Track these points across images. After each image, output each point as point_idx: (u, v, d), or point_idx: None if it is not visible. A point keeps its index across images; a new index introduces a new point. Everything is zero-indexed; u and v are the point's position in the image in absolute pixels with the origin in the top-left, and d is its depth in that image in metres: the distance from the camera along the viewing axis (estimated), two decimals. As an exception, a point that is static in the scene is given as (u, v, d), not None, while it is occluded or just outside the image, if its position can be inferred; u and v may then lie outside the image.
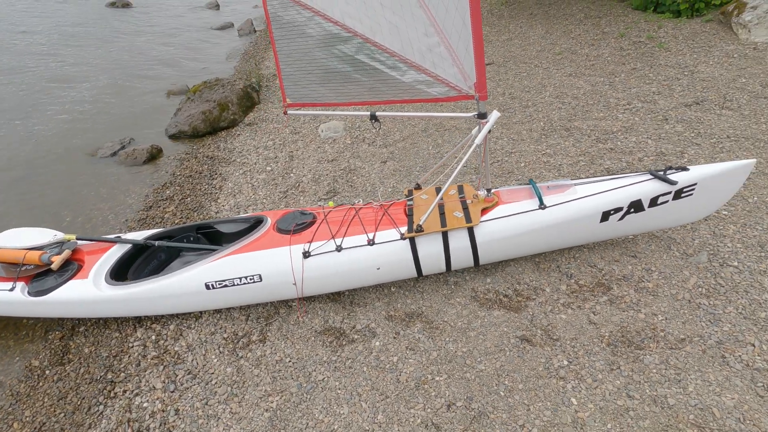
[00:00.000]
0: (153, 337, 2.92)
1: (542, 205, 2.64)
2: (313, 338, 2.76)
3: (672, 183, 2.53)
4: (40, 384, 2.75)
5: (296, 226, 2.88)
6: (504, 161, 4.17)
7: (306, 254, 2.72)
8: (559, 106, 4.96)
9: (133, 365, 2.75)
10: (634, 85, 5.09)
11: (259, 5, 14.33)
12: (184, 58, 9.90)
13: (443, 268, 2.79)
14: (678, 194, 2.59)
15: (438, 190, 3.05)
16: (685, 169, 2.58)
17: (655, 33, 6.23)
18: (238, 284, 2.76)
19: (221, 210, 4.30)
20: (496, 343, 2.50)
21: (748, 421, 1.94)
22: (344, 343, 2.68)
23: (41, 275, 3.00)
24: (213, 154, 5.56)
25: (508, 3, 9.26)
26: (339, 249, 2.71)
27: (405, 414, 2.22)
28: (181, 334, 2.91)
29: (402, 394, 2.32)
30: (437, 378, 2.37)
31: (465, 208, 2.76)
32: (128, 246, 3.22)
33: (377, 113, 2.63)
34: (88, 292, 2.85)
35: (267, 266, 2.74)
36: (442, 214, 2.76)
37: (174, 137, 6.27)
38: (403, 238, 2.68)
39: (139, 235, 3.40)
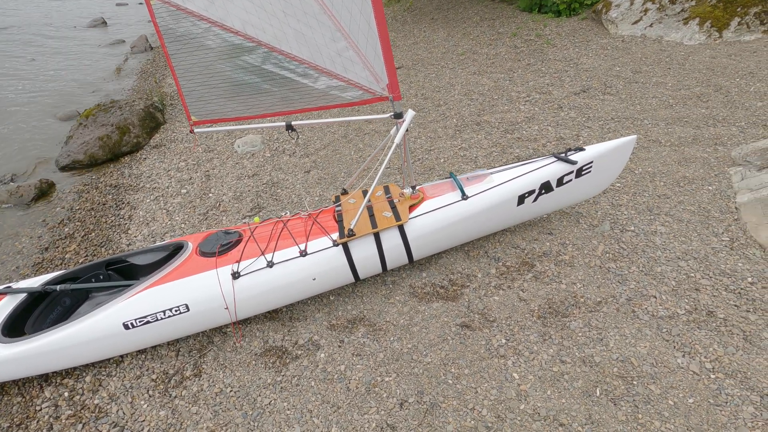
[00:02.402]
0: (66, 394, 2.57)
1: (464, 196, 2.77)
2: (254, 362, 2.61)
3: (573, 163, 2.79)
4: None
5: (221, 246, 2.72)
6: (424, 159, 4.32)
7: (235, 275, 2.57)
8: (468, 102, 5.25)
9: (44, 430, 2.40)
10: (531, 78, 5.56)
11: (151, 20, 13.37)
12: (70, 80, 8.93)
13: (379, 269, 2.81)
14: (579, 172, 2.86)
15: (365, 192, 3.07)
16: (582, 149, 2.86)
17: (542, 31, 6.87)
18: (162, 318, 2.53)
19: (133, 241, 3.93)
20: (438, 334, 2.56)
21: (659, 364, 2.20)
22: (288, 361, 2.58)
23: None
24: (117, 182, 5.07)
25: (410, 9, 9.64)
26: (270, 264, 2.61)
27: (359, 421, 2.19)
28: (100, 385, 2.60)
29: (354, 401, 2.29)
30: (387, 378, 2.37)
31: (393, 207, 2.80)
32: (23, 296, 2.81)
33: (293, 123, 2.58)
34: (-25, 355, 2.44)
35: (193, 294, 2.55)
36: (371, 215, 2.77)
37: (67, 168, 5.61)
38: (335, 244, 2.65)
39: (35, 282, 2.98)
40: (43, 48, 11.12)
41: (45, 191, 5.09)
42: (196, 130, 2.59)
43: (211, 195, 4.44)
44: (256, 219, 3.06)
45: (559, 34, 6.66)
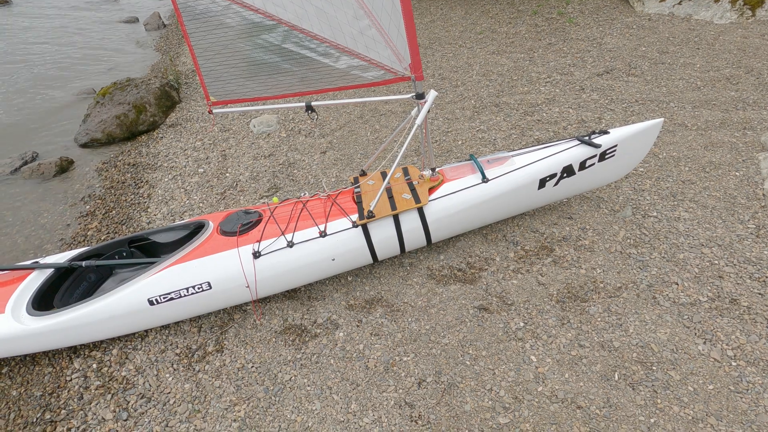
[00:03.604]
0: (94, 366, 2.67)
1: (485, 179, 2.74)
2: (274, 339, 2.67)
3: (596, 146, 2.73)
4: (-38, 439, 2.41)
5: (242, 226, 2.75)
6: (442, 141, 4.27)
7: (256, 254, 2.61)
8: (486, 83, 5.15)
9: (75, 399, 2.50)
10: (552, 59, 5.41)
11: (163, -4, 13.24)
12: (86, 58, 8.95)
13: (398, 250, 2.82)
14: (602, 156, 2.80)
15: (384, 174, 3.05)
16: (606, 132, 2.80)
17: (564, 9, 6.65)
18: (185, 295, 2.58)
19: (153, 220, 3.99)
20: (456, 316, 2.58)
21: (680, 351, 2.19)
22: (307, 339, 2.63)
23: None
24: (135, 161, 5.12)
25: (426, -15, 9.37)
26: (291, 245, 2.63)
27: (378, 398, 2.23)
28: (126, 358, 2.69)
29: (372, 379, 2.33)
30: (405, 358, 2.41)
31: (413, 190, 2.79)
32: (50, 271, 2.89)
33: (313, 103, 2.55)
34: (8, 327, 2.53)
35: (215, 272, 2.60)
36: (390, 197, 2.77)
37: (85, 146, 5.68)
38: (355, 225, 2.66)
39: (61, 257, 3.06)
40: (56, 25, 11.12)
41: (65, 168, 5.17)
42: (214, 111, 2.58)
43: (228, 175, 4.47)
44: (275, 199, 3.07)
45: (582, 13, 6.44)
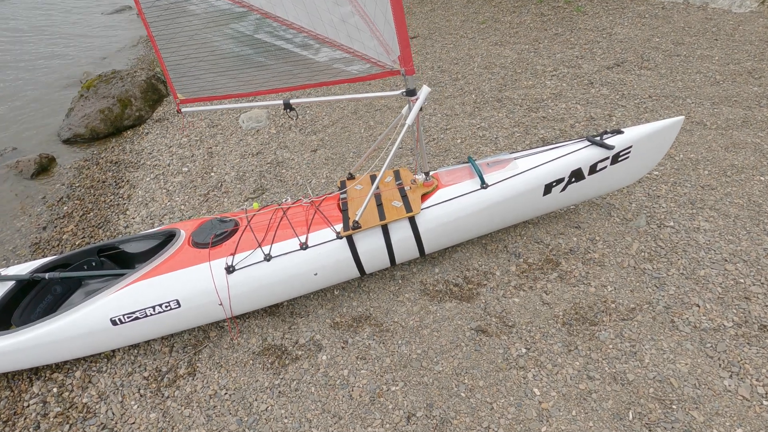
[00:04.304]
0: (54, 390, 2.44)
1: (484, 185, 2.47)
2: (251, 361, 2.43)
3: (609, 148, 2.46)
4: None
5: (215, 237, 2.49)
6: (440, 139, 3.99)
7: (230, 269, 2.36)
8: (488, 76, 4.84)
9: (31, 429, 2.27)
10: (558, 50, 5.09)
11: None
12: (74, 48, 8.65)
13: (387, 263, 2.56)
14: (615, 158, 2.53)
15: (373, 178, 2.79)
16: (619, 132, 2.52)
17: (572, -3, 6.30)
18: (151, 314, 2.34)
19: (131, 224, 3.74)
20: (451, 338, 2.33)
21: (703, 386, 1.93)
22: (287, 362, 2.39)
23: None
24: (118, 158, 4.87)
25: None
26: (268, 258, 2.38)
27: (361, 436, 1.99)
28: (90, 381, 2.45)
29: (357, 412, 2.09)
30: (393, 388, 2.16)
31: (404, 196, 2.52)
32: (10, 284, 2.65)
33: (292, 101, 2.28)
34: (-42, 349, 2.30)
35: (185, 289, 2.35)
36: (379, 204, 2.50)
37: (69, 142, 5.42)
38: (339, 237, 2.40)
39: (25, 268, 2.82)
40: (44, 14, 10.81)
41: (45, 166, 4.93)
42: (183, 110, 2.31)
43: (213, 174, 4.21)
44: (255, 205, 2.82)
45: (591, 1, 6.09)
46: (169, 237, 2.71)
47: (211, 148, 4.66)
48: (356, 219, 2.35)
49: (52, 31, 9.58)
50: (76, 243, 3.69)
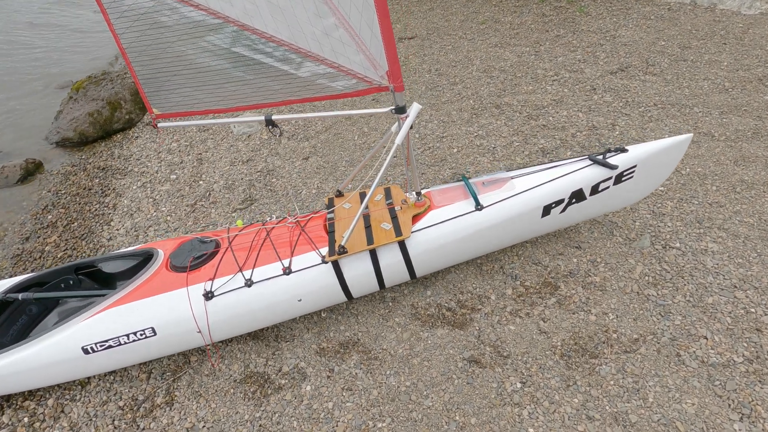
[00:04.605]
0: (26, 420, 2.32)
1: (479, 206, 2.33)
2: (232, 390, 2.30)
3: (612, 167, 2.31)
4: None
5: (194, 260, 2.36)
6: (435, 147, 3.84)
7: (208, 295, 2.22)
8: (487, 81, 4.68)
9: (-2, 463, 2.15)
10: (560, 53, 4.92)
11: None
12: (66, 46, 8.48)
13: (376, 287, 2.43)
14: (619, 178, 2.38)
15: (362, 195, 2.64)
16: (623, 150, 2.37)
17: (575, -3, 6.11)
18: (126, 342, 2.21)
19: (115, 235, 3.62)
20: (442, 370, 2.20)
21: (711, 430, 1.80)
22: (269, 392, 2.26)
23: None
24: (106, 164, 4.73)
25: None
26: (249, 284, 2.25)
27: (344, 479, 1.87)
28: (62, 411, 2.33)
29: (340, 451, 1.97)
30: (380, 424, 2.03)
31: (394, 217, 2.38)
32: (-19, 305, 2.53)
33: (274, 117, 2.14)
34: None
35: (161, 316, 2.22)
36: (367, 226, 2.36)
37: (57, 146, 5.29)
38: (324, 261, 2.26)
39: (0, 286, 2.70)
40: (38, 11, 10.63)
41: (32, 171, 4.80)
42: (160, 125, 2.17)
43: (201, 183, 4.07)
44: (239, 222, 2.68)
45: (594, 1, 5.90)
46: (147, 257, 2.58)
47: (201, 154, 4.52)
48: (342, 244, 2.21)
49: (46, 29, 9.41)
50: (58, 256, 3.57)
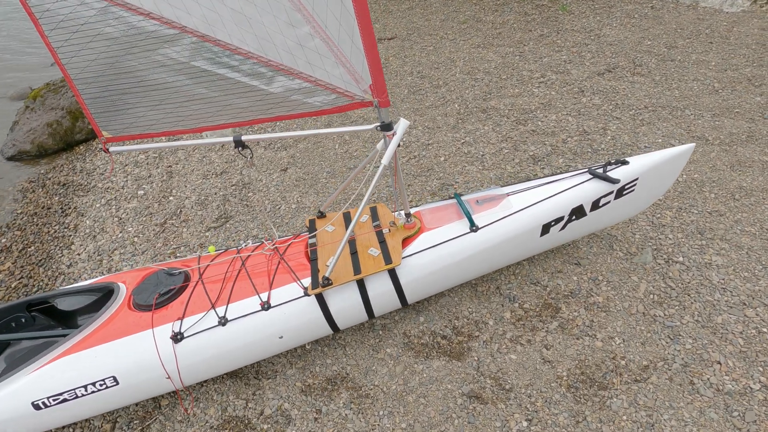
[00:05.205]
0: (-31, 486, 2.03)
1: (473, 227, 2.15)
2: (208, 439, 2.07)
3: (614, 182, 2.16)
4: None
5: (160, 296, 2.11)
6: (421, 156, 3.65)
7: (177, 337, 1.98)
8: (471, 83, 4.51)
9: None
10: (545, 53, 4.79)
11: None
12: (19, 50, 7.94)
13: (365, 317, 2.22)
14: (620, 192, 2.23)
15: (346, 216, 2.43)
16: (624, 162, 2.22)
17: (556, -6, 6.00)
18: (83, 395, 1.95)
19: (75, 261, 3.31)
20: (440, 408, 2.01)
21: (734, 470, 1.66)
22: (250, 440, 2.04)
23: None
24: (67, 180, 4.38)
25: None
26: (223, 322, 2.01)
27: None
28: (12, 473, 2.05)
29: None
30: (373, 476, 1.84)
31: (382, 242, 2.18)
32: None
33: (244, 137, 1.91)
34: None
35: (123, 363, 1.97)
36: (354, 253, 2.15)
37: (12, 159, 4.89)
38: (307, 294, 2.05)
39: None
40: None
41: (-16, 190, 4.40)
42: (111, 149, 1.91)
43: (171, 198, 3.79)
44: (211, 249, 2.44)
45: (576, -1, 5.80)
46: (107, 293, 2.31)
47: (171, 166, 4.22)
48: (326, 275, 1.99)
49: (5, 32, 8.82)
50: (12, 285, 3.24)
